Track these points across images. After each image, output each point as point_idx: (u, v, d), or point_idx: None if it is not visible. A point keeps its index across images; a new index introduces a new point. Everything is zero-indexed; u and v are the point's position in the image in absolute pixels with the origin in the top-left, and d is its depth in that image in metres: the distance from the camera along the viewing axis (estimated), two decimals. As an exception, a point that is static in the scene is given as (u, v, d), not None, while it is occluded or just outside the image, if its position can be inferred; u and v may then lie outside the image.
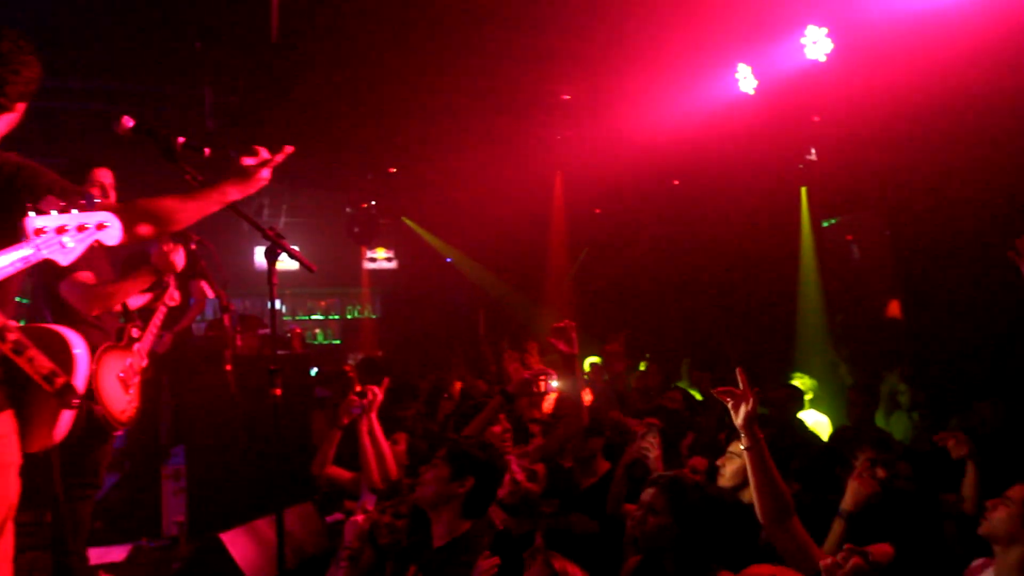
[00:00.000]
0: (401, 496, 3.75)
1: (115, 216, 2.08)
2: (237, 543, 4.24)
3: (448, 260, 14.32)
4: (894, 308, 10.03)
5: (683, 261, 11.69)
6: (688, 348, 10.56)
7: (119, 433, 3.98)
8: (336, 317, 15.34)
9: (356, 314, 15.32)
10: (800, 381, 7.33)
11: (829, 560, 2.53)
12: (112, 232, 2.01)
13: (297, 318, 14.83)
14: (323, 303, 15.29)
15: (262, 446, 5.21)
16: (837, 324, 8.37)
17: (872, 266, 10.48)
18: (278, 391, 3.24)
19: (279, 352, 5.94)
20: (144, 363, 4.21)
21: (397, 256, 15.16)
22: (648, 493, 3.31)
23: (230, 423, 5.25)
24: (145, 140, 2.90)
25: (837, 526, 3.34)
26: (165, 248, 3.99)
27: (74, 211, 1.97)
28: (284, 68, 6.73)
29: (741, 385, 3.09)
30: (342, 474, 4.93)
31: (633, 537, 3.33)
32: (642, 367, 8.96)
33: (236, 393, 4.82)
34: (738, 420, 3.07)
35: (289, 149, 2.80)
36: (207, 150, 2.88)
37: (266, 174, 2.77)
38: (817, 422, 6.89)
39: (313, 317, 15.17)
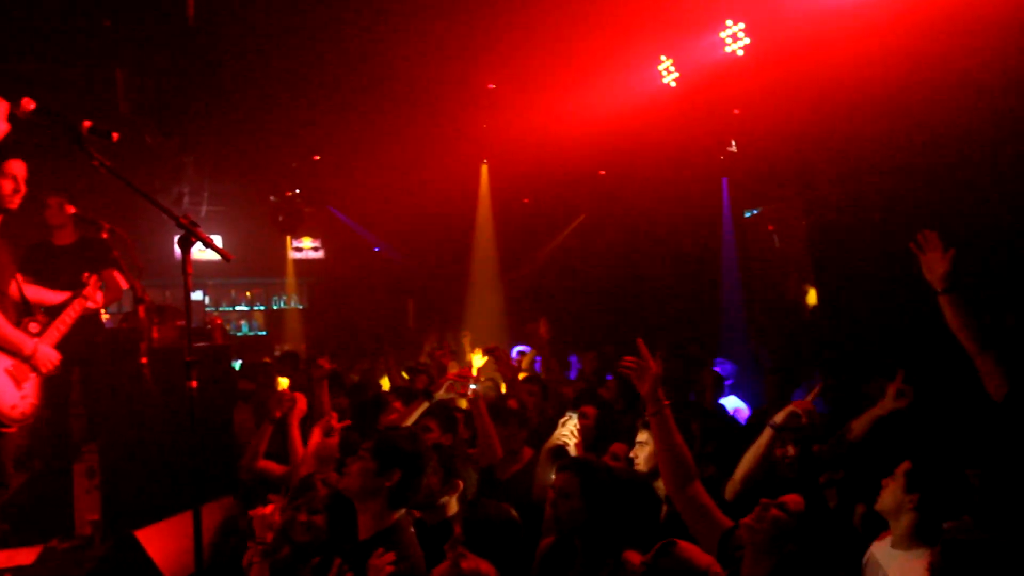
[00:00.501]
0: (313, 491, 3.69)
1: None
2: (153, 540, 4.12)
3: (376, 249, 14.18)
4: (811, 296, 10.40)
5: (610, 250, 11.85)
6: (612, 336, 10.72)
7: (11, 430, 3.81)
8: (262, 308, 15.04)
9: (282, 305, 15.05)
10: (721, 368, 7.54)
11: (749, 518, 2.62)
12: None
13: (220, 309, 14.47)
14: (248, 293, 14.97)
15: (180, 440, 5.08)
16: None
17: (792, 255, 10.83)
18: (194, 383, 3.17)
19: (199, 344, 5.75)
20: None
21: (324, 245, 14.95)
22: (560, 478, 3.36)
23: (146, 418, 5.08)
24: (49, 124, 2.79)
25: (765, 434, 3.52)
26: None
27: None
28: (202, 50, 6.52)
29: (643, 355, 3.18)
30: (274, 468, 4.85)
31: (550, 521, 3.39)
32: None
33: (152, 387, 4.68)
34: (642, 389, 3.16)
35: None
36: (115, 135, 2.79)
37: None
38: (737, 408, 7.09)
39: (237, 308, 14.84)
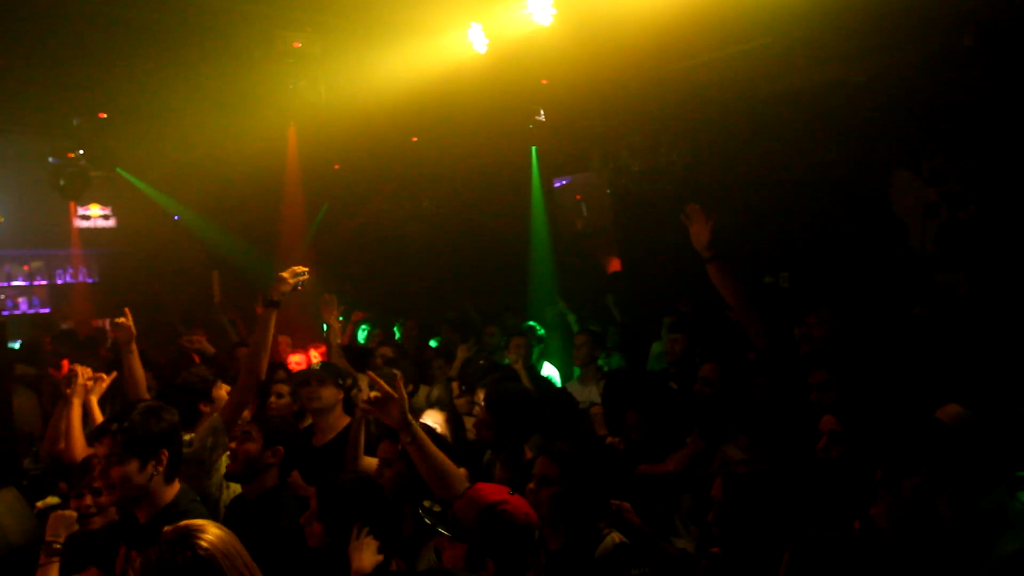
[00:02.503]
0: (92, 473, 3.47)
1: None
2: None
3: (176, 217, 13.28)
4: (614, 263, 10.98)
5: (423, 218, 11.86)
6: (426, 304, 10.80)
7: None
8: (44, 283, 13.68)
9: (68, 279, 13.77)
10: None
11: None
12: None
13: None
14: (27, 267, 13.55)
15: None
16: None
17: (599, 223, 11.37)
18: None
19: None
20: None
21: (115, 213, 13.79)
22: (385, 447, 3.37)
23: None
24: None
25: None
26: None
27: None
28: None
29: (383, 389, 3.14)
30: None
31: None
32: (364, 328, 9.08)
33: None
34: (391, 421, 3.12)
35: None
36: None
37: None
38: (549, 375, 7.34)
39: (14, 283, 13.40)
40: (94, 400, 4.38)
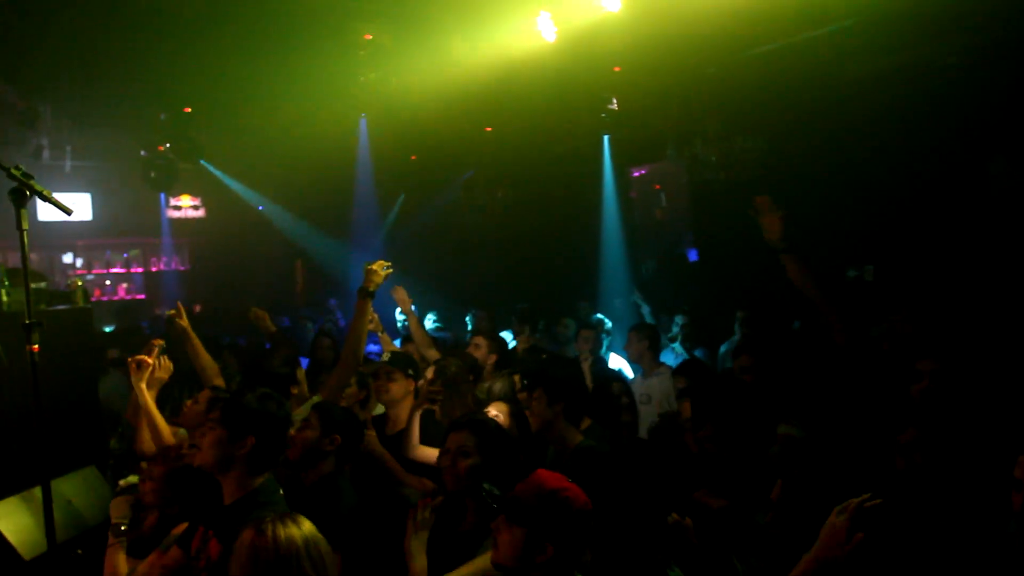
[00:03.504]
0: (154, 463, 3.57)
1: None
2: (5, 515, 3.91)
3: (260, 208, 13.71)
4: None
5: (497, 207, 11.85)
6: (500, 293, 10.79)
7: None
8: (140, 270, 14.36)
9: (162, 267, 14.42)
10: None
11: None
12: None
13: (94, 272, 13.76)
14: (125, 255, 14.25)
15: (31, 410, 4.81)
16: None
17: (678, 212, 11.14)
18: (35, 348, 3.01)
19: (58, 307, 5.43)
20: None
21: (205, 204, 14.35)
22: (455, 438, 3.35)
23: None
24: None
25: None
26: None
27: None
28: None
29: None
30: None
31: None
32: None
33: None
34: None
35: None
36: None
37: None
38: (619, 367, 7.22)
39: (113, 271, 14.11)
40: (142, 383, 4.48)
